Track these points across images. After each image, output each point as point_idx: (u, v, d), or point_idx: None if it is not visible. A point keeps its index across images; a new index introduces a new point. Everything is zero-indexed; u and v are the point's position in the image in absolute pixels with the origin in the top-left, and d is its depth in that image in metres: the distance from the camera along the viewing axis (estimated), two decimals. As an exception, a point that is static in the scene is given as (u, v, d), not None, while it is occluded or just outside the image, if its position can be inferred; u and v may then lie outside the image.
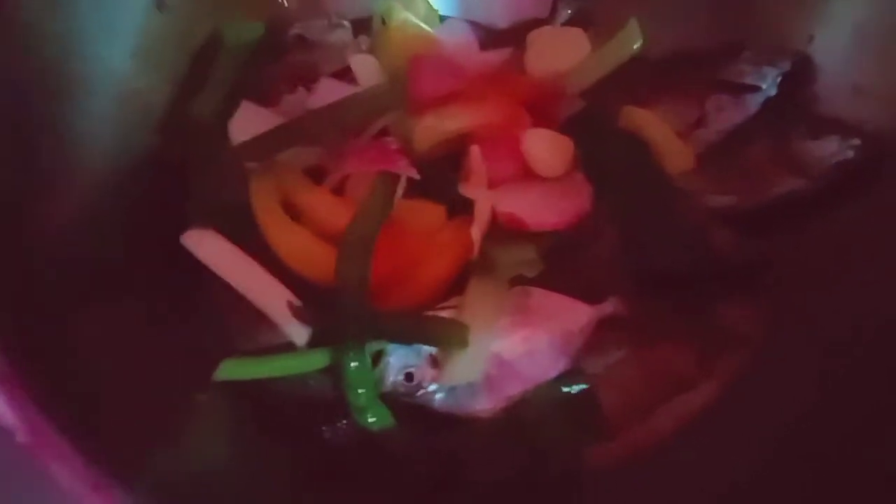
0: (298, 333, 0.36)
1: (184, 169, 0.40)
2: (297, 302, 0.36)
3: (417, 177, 0.37)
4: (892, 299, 0.35)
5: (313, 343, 0.36)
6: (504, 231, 0.38)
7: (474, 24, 0.50)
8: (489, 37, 0.50)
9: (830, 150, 0.39)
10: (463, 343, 0.34)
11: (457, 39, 0.43)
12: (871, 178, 0.38)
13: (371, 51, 0.45)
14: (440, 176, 0.39)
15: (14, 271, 0.31)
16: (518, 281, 0.38)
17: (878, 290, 0.36)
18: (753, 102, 0.42)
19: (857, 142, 0.38)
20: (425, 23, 0.46)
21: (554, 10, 0.50)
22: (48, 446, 0.23)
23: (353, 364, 0.34)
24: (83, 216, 0.36)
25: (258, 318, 0.37)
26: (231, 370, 0.35)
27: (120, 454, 0.28)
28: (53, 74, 0.36)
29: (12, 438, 0.23)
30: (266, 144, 0.38)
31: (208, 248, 0.36)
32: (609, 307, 0.38)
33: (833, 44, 0.41)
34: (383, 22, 0.43)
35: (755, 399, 0.36)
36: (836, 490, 0.30)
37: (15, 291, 0.30)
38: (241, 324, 0.37)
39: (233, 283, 0.36)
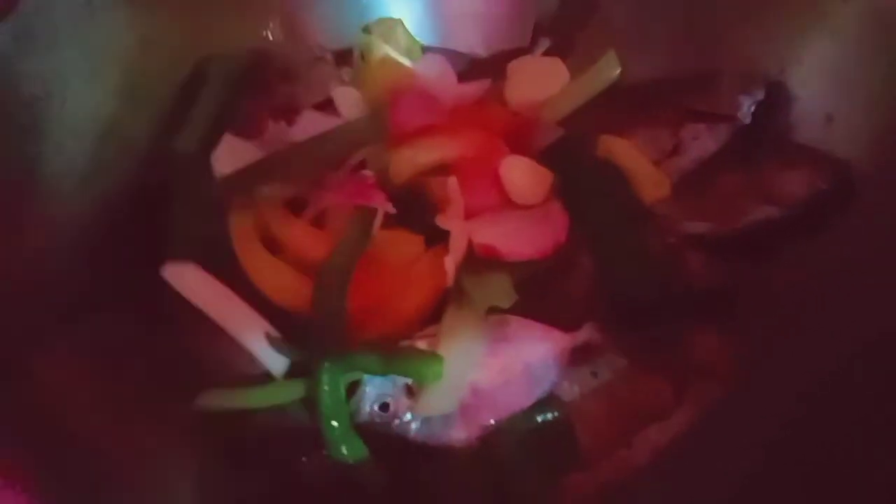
0: (276, 364, 0.37)
1: (164, 201, 0.41)
2: (274, 333, 0.37)
3: (393, 211, 0.38)
4: (863, 326, 0.35)
5: (291, 374, 0.37)
6: (480, 261, 0.38)
7: (455, 53, 0.51)
8: (470, 66, 0.51)
9: (803, 179, 0.39)
10: (438, 375, 0.34)
11: (436, 72, 0.44)
12: (843, 207, 0.39)
13: (353, 83, 0.45)
14: (418, 207, 0.40)
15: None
16: (494, 310, 0.38)
17: (849, 317, 0.36)
18: (727, 131, 0.42)
19: (826, 171, 0.39)
20: (407, 53, 0.47)
21: (534, 40, 0.51)
22: (17, 483, 0.23)
23: (326, 396, 0.34)
24: (59, 248, 0.36)
25: (236, 350, 0.37)
26: (209, 401, 0.35)
27: (90, 487, 0.28)
28: (33, 113, 0.36)
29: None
30: (248, 178, 0.39)
31: (188, 280, 0.37)
32: (584, 335, 0.38)
33: (806, 74, 0.42)
34: (363, 57, 0.44)
35: (728, 428, 0.37)
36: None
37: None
38: (219, 355, 0.37)
39: (212, 315, 0.37)
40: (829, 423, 0.33)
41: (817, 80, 0.41)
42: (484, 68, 0.50)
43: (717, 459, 0.36)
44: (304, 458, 0.36)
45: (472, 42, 0.50)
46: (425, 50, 0.49)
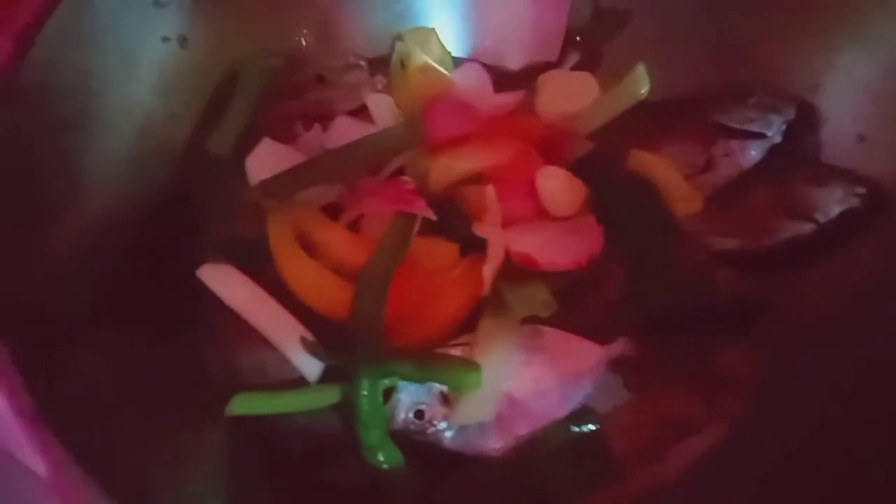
0: (310, 369, 0.36)
1: (199, 203, 0.41)
2: (310, 337, 0.37)
3: (434, 217, 0.38)
4: (891, 342, 0.35)
5: (325, 379, 0.36)
6: (516, 270, 0.38)
7: (487, 67, 0.51)
8: (501, 79, 0.51)
9: (835, 197, 0.40)
10: (477, 384, 0.34)
11: (472, 82, 0.44)
12: (874, 226, 0.39)
13: (387, 90, 0.46)
14: (454, 215, 0.40)
15: (26, 307, 0.31)
16: (529, 319, 0.38)
17: (879, 335, 0.36)
18: (759, 149, 0.43)
19: (861, 190, 0.39)
20: (440, 63, 0.47)
21: (563, 54, 0.51)
22: (69, 484, 0.23)
23: (365, 402, 0.34)
24: (93, 248, 0.36)
25: (270, 353, 0.37)
26: (243, 405, 0.35)
27: (133, 490, 0.28)
28: (70, 108, 0.36)
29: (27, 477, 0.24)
30: (285, 183, 0.39)
31: (223, 281, 0.37)
32: (618, 348, 0.38)
33: (837, 93, 0.42)
34: (402, 64, 0.44)
35: (760, 442, 0.37)
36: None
37: (31, 326, 0.30)
38: (252, 358, 0.37)
39: (246, 317, 0.37)
40: (856, 437, 0.34)
41: (849, 99, 0.42)
42: (514, 81, 0.50)
43: (748, 473, 0.36)
44: (335, 464, 0.36)
45: (504, 55, 0.51)
46: (456, 62, 0.50)
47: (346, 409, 0.35)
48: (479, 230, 0.38)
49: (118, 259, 0.37)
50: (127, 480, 0.29)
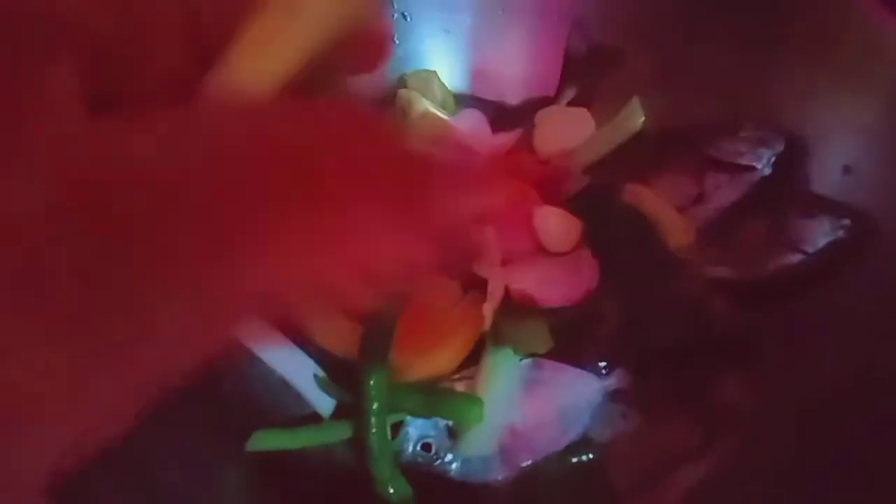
0: (323, 405, 0.39)
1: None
2: (322, 374, 0.39)
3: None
4: (885, 370, 0.37)
5: (338, 415, 0.39)
6: (516, 307, 0.40)
7: (485, 102, 0.53)
8: (500, 114, 0.53)
9: (823, 228, 0.41)
10: (479, 418, 0.36)
11: (473, 125, 0.46)
12: (862, 255, 0.40)
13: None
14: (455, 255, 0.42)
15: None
16: (530, 354, 0.40)
17: (870, 360, 0.37)
18: (749, 181, 0.44)
19: (847, 222, 0.40)
20: (442, 105, 0.49)
21: (560, 89, 0.53)
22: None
23: (374, 436, 0.36)
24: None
25: (285, 390, 0.39)
26: (262, 441, 0.37)
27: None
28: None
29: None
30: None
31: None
32: (616, 379, 0.40)
33: (823, 126, 0.44)
34: (404, 112, 0.46)
35: (757, 470, 0.38)
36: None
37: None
38: (269, 396, 0.39)
39: (263, 357, 0.39)
40: (853, 463, 0.35)
41: (835, 132, 0.43)
42: (511, 116, 0.52)
43: (745, 501, 0.37)
44: (350, 497, 0.38)
45: (503, 91, 0.53)
46: (457, 98, 0.52)
47: (358, 444, 0.37)
48: (479, 269, 0.40)
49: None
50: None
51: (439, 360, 0.39)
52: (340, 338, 0.39)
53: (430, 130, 0.45)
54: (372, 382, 0.36)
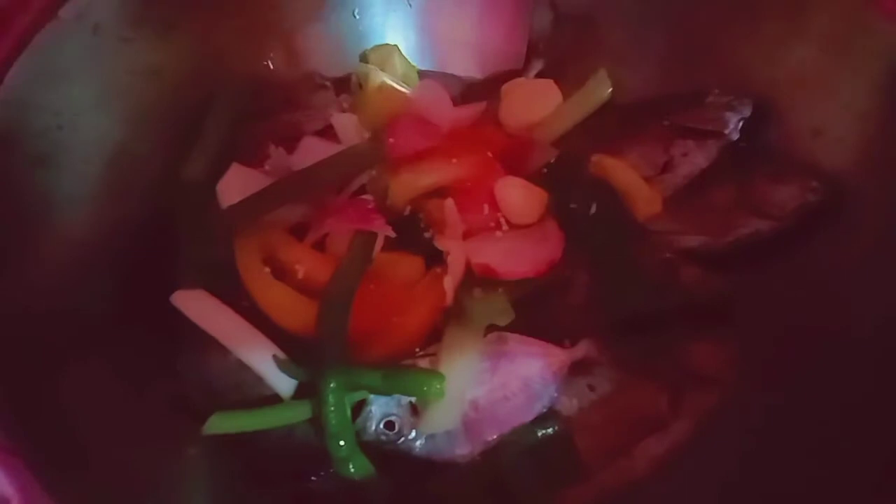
0: (284, 386, 0.38)
1: (173, 229, 0.42)
2: (281, 355, 0.38)
3: (393, 235, 0.39)
4: (855, 331, 0.36)
5: (300, 395, 0.38)
6: (478, 280, 0.39)
7: (451, 77, 0.52)
8: (467, 89, 0.52)
9: (791, 192, 0.40)
10: (439, 393, 0.35)
11: (432, 97, 0.45)
12: (831, 218, 0.40)
13: (352, 109, 0.47)
14: (418, 229, 0.41)
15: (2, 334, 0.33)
16: (494, 327, 0.39)
17: (841, 323, 0.37)
18: (716, 147, 0.44)
19: (815, 184, 0.40)
20: (404, 79, 0.48)
21: (527, 62, 0.52)
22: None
23: (332, 415, 0.35)
24: (69, 275, 0.38)
25: (245, 372, 0.38)
26: (219, 424, 0.36)
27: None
28: (43, 145, 0.38)
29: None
30: (255, 206, 0.40)
31: (197, 306, 0.38)
32: (582, 350, 0.39)
33: (791, 89, 0.43)
34: (360, 85, 0.45)
35: (725, 436, 0.38)
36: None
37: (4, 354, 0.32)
38: (228, 378, 0.38)
39: (220, 339, 0.38)
40: (825, 430, 0.34)
41: (802, 95, 0.42)
42: (479, 90, 0.51)
43: (715, 468, 0.37)
44: (313, 477, 0.37)
45: (469, 65, 0.52)
46: (421, 74, 0.51)
47: (319, 424, 0.37)
48: (440, 243, 0.39)
49: (95, 286, 0.39)
50: (107, 495, 0.31)
51: (401, 336, 0.38)
52: (297, 316, 0.38)
53: (387, 104, 0.44)
54: (328, 359, 0.36)
